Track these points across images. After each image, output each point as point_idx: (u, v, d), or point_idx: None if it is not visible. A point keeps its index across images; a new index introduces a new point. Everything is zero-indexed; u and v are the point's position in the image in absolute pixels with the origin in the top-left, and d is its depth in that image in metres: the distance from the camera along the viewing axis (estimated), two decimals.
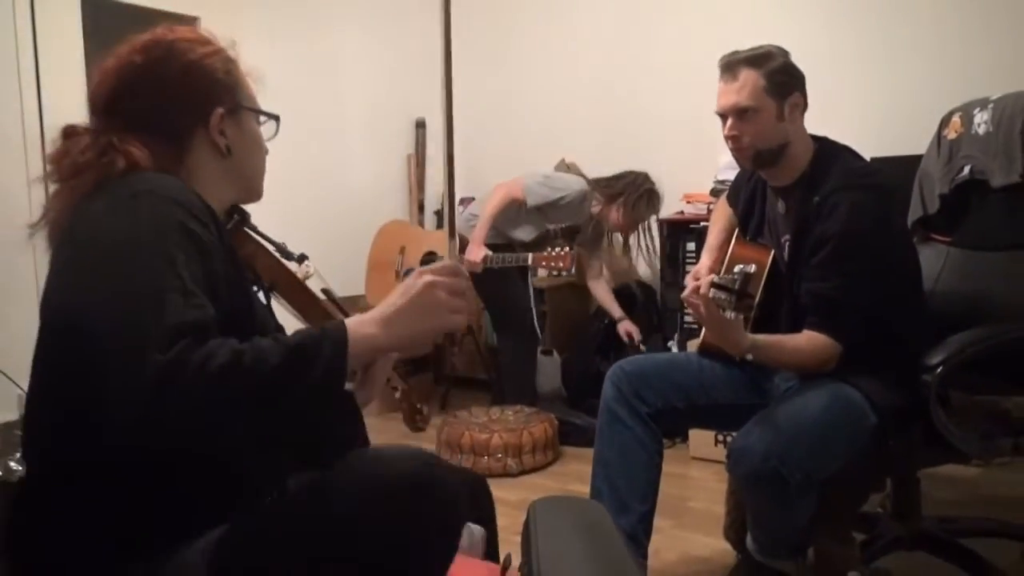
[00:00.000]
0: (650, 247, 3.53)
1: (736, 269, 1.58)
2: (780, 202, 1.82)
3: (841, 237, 1.61)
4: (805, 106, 1.73)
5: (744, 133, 1.70)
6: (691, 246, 3.41)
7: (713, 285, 1.56)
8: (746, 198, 1.96)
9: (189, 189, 0.99)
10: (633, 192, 3.27)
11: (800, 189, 1.74)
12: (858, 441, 1.62)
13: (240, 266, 1.04)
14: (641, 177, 3.32)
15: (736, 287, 1.54)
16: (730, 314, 1.54)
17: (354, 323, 0.94)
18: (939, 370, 1.55)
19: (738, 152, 1.75)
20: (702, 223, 3.26)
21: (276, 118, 1.19)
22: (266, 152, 1.20)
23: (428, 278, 0.97)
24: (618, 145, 3.92)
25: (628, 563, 0.96)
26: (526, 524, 1.03)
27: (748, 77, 1.68)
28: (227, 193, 1.13)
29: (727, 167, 3.33)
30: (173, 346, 0.80)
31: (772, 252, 1.86)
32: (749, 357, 1.59)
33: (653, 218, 3.41)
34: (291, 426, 0.89)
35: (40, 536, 0.92)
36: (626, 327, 3.38)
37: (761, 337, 1.61)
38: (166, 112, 1.06)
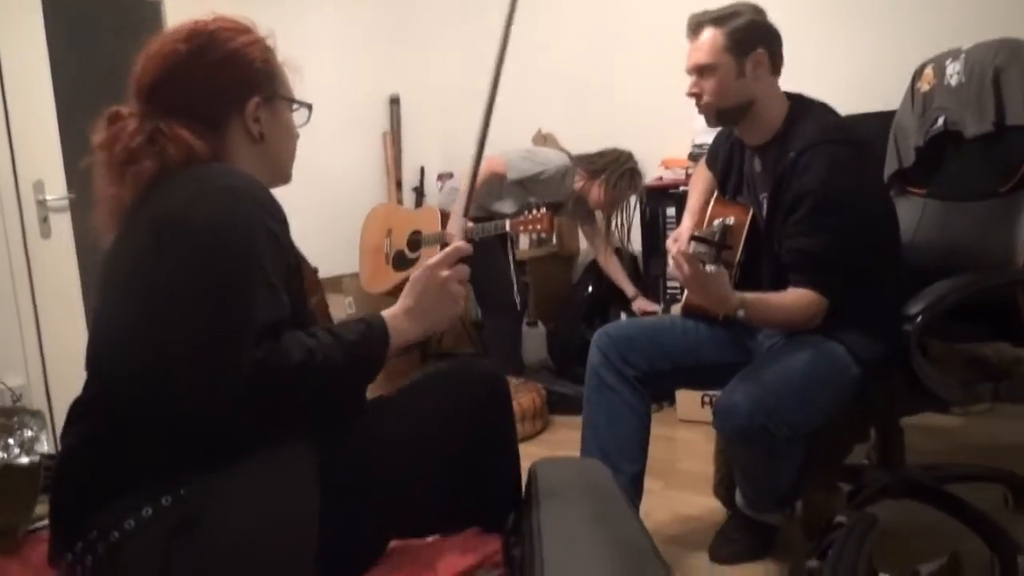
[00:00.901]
0: (627, 225, 3.52)
1: (715, 223, 1.59)
2: (756, 160, 1.82)
3: (819, 192, 1.62)
4: (774, 64, 1.73)
5: (704, 91, 1.73)
6: (671, 211, 3.41)
7: (692, 238, 1.57)
8: (724, 158, 1.97)
9: (261, 185, 1.05)
10: (615, 170, 3.25)
11: (775, 146, 1.74)
12: (842, 393, 1.64)
13: (300, 259, 1.12)
14: (624, 156, 3.30)
15: (716, 239, 1.54)
16: (711, 267, 1.54)
17: (389, 319, 1.08)
18: (919, 319, 1.57)
19: (700, 109, 1.77)
20: (681, 188, 3.26)
21: (309, 107, 1.25)
22: (296, 138, 1.25)
23: (444, 274, 1.13)
24: (594, 113, 3.91)
25: (630, 518, 0.97)
26: (527, 485, 1.03)
27: (709, 35, 1.70)
28: (260, 177, 1.15)
29: (704, 131, 3.29)
30: (262, 342, 0.91)
31: (751, 210, 1.87)
32: (741, 314, 1.59)
33: (633, 197, 3.40)
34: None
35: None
36: (641, 305, 3.33)
37: (749, 295, 1.62)
38: (206, 99, 1.10)
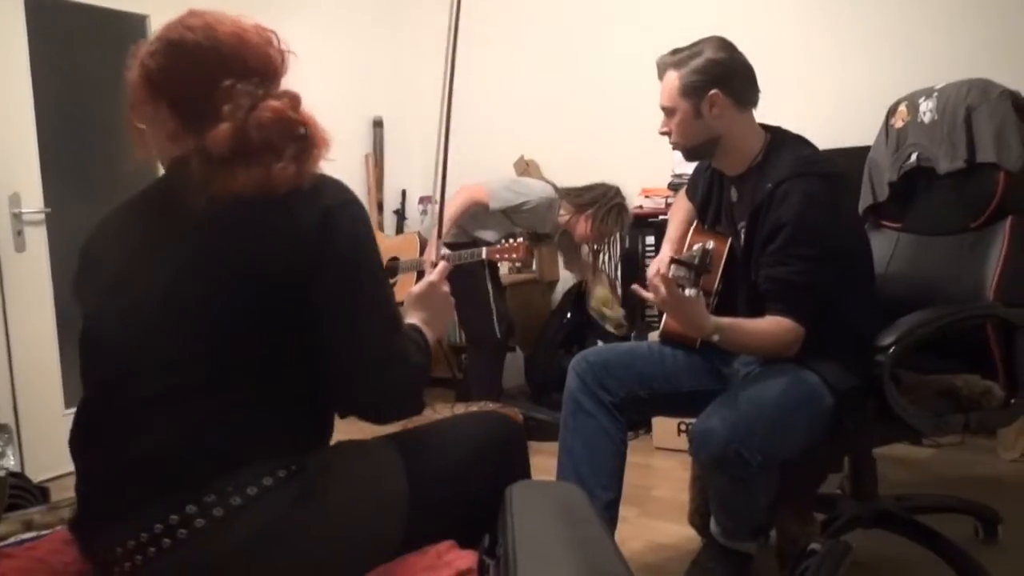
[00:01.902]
0: (615, 259, 3.54)
1: (695, 248, 1.61)
2: (734, 190, 1.85)
3: (794, 224, 1.65)
4: (739, 99, 1.74)
5: (671, 131, 1.80)
6: (650, 240, 3.44)
7: (672, 261, 1.58)
8: (703, 188, 2.00)
9: None
10: (603, 205, 3.25)
11: (753, 177, 1.78)
12: (816, 422, 1.65)
13: None
14: (612, 191, 3.31)
15: (695, 262, 1.56)
16: (690, 291, 1.55)
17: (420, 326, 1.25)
18: (891, 350, 1.60)
19: (673, 147, 1.83)
20: (660, 217, 3.30)
21: None
22: None
23: (445, 288, 1.34)
24: (575, 141, 3.97)
25: (606, 543, 0.97)
26: (501, 508, 1.03)
27: (668, 79, 1.77)
28: None
29: (683, 161, 3.36)
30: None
31: (729, 240, 1.90)
32: (715, 338, 1.60)
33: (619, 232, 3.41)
34: None
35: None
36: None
37: (724, 319, 1.63)
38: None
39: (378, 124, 4.30)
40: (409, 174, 4.39)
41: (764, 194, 1.70)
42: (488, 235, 3.24)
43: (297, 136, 1.08)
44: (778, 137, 1.81)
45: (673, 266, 1.57)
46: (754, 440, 1.55)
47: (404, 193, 4.41)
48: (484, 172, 4.19)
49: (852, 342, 1.68)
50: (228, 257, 1.04)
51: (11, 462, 1.17)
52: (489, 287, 3.22)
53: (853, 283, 1.74)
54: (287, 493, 1.00)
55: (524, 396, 3.56)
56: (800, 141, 1.80)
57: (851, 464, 1.93)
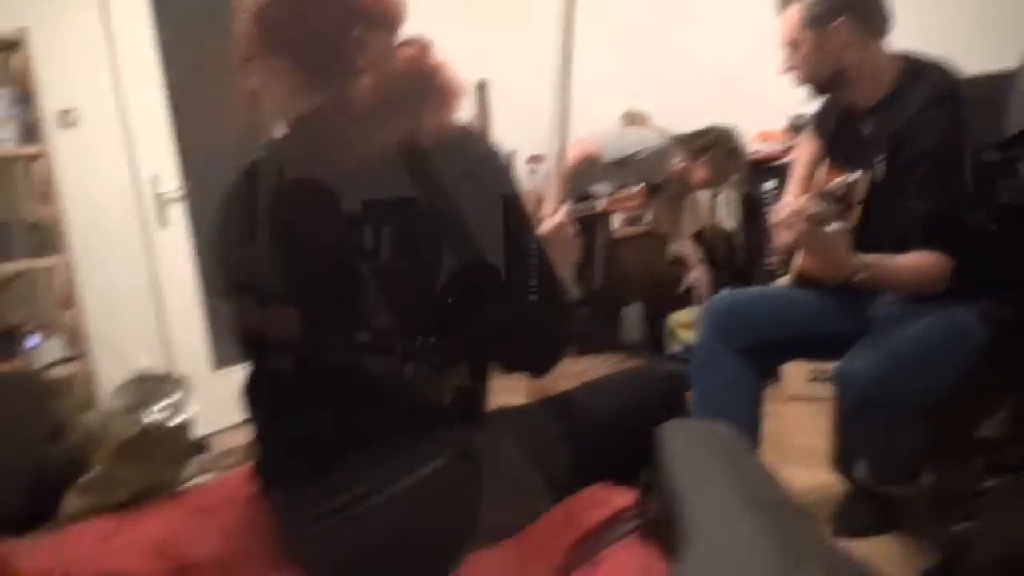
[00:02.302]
0: (732, 203, 3.44)
1: (836, 181, 1.55)
2: (869, 122, 1.76)
3: (938, 154, 1.56)
4: (868, 27, 1.66)
5: (793, 66, 1.72)
6: (769, 185, 3.31)
7: (817, 195, 1.52)
8: (834, 124, 1.90)
9: None
10: (720, 148, 3.18)
11: (888, 109, 1.68)
12: (968, 362, 1.56)
13: None
14: (726, 134, 3.23)
15: (842, 194, 1.50)
16: (836, 226, 1.49)
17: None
18: None
19: (796, 83, 1.75)
20: (778, 161, 3.16)
21: None
22: None
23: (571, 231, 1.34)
24: (685, 89, 3.82)
25: (764, 471, 0.95)
26: (656, 447, 1.02)
27: (790, 11, 1.69)
28: None
29: (801, 102, 3.21)
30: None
31: (869, 174, 1.80)
32: (860, 277, 1.53)
33: (736, 175, 3.32)
34: None
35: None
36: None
37: (870, 257, 1.56)
38: None
39: (481, 87, 4.30)
40: (517, 136, 4.35)
41: (903, 124, 1.61)
42: (600, 189, 3.21)
43: (435, 85, 1.03)
44: (913, 64, 1.70)
45: (816, 200, 1.51)
46: (900, 381, 1.49)
47: (513, 156, 4.40)
48: (590, 127, 4.15)
49: (1012, 271, 1.57)
50: (386, 215, 1.00)
51: (188, 412, 1.26)
52: (600, 242, 3.21)
53: (1004, 210, 1.62)
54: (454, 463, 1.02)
55: (643, 350, 3.53)
56: (938, 68, 1.68)
57: (1015, 405, 1.82)
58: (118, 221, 2.82)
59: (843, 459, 1.89)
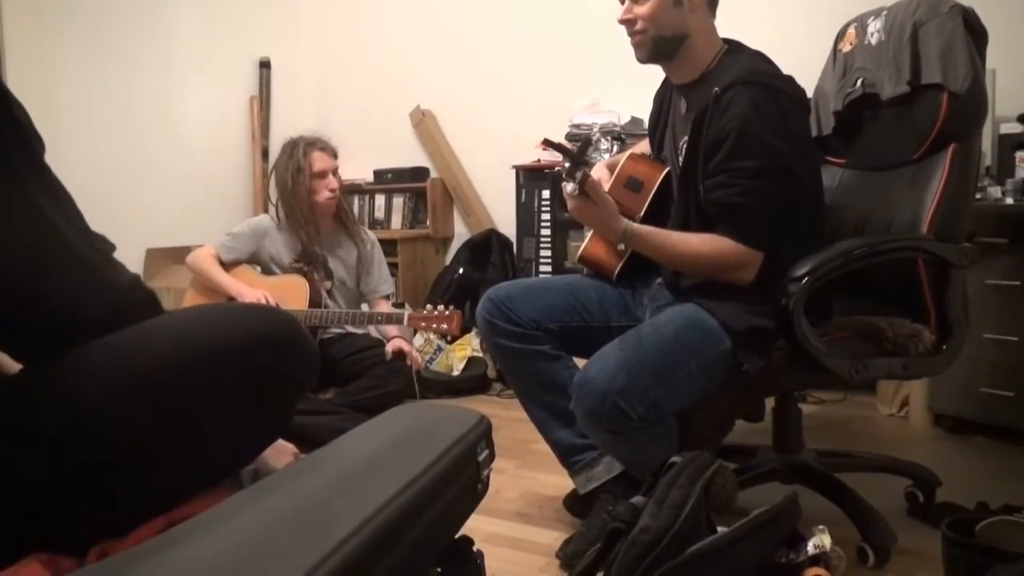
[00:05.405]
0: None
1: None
2: (683, 101, 1.70)
3: (739, 133, 1.49)
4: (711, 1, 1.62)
5: (638, 16, 1.59)
6: (546, 194, 3.30)
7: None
8: (656, 108, 1.85)
9: None
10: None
11: (702, 84, 1.62)
12: (712, 369, 1.51)
13: None
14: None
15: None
16: (570, 187, 1.46)
17: None
18: (804, 281, 1.45)
19: (633, 39, 1.63)
20: (556, 168, 3.13)
21: None
22: None
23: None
24: (473, 90, 3.82)
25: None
26: None
27: None
28: None
29: (582, 111, 3.26)
30: None
31: (666, 169, 1.76)
32: (621, 247, 1.53)
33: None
34: None
35: None
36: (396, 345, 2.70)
37: (643, 227, 1.54)
38: None
39: (265, 65, 3.99)
40: (299, 118, 3.83)
41: (709, 100, 1.53)
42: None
43: None
44: (735, 47, 1.65)
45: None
46: (634, 391, 1.40)
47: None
48: (378, 124, 4.00)
49: (769, 279, 1.52)
50: None
51: None
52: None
53: (795, 213, 1.56)
54: None
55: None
56: (759, 55, 1.64)
57: (773, 413, 1.79)
58: None
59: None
